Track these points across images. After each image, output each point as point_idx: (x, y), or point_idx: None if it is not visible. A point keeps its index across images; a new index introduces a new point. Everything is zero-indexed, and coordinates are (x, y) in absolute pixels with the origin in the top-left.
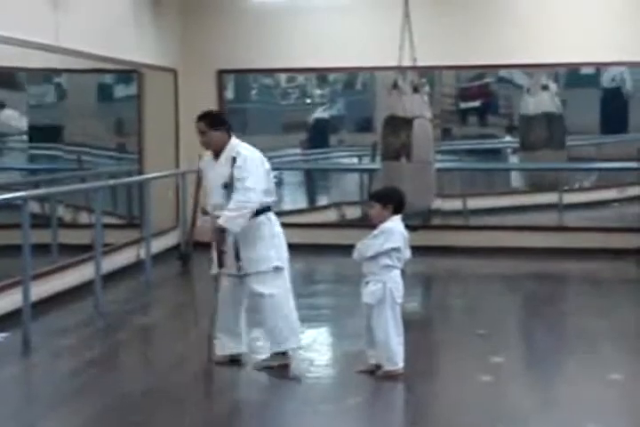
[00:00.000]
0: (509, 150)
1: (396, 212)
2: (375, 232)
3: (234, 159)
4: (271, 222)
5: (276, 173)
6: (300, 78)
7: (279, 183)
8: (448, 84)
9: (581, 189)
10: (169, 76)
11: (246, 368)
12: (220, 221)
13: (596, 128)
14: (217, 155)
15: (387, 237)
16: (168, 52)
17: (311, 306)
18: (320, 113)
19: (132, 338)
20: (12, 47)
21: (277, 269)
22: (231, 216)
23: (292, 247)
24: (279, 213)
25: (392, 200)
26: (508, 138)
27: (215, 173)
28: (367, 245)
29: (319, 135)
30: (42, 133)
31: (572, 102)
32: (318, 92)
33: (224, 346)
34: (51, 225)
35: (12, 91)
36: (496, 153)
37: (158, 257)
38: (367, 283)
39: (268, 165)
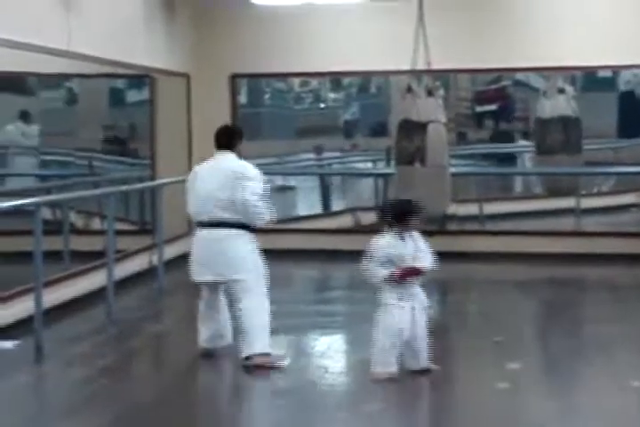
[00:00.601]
0: (526, 155)
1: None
2: None
3: None
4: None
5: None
6: (314, 82)
7: (292, 188)
8: (463, 87)
9: (599, 194)
10: (181, 80)
11: (259, 376)
12: None
13: (614, 132)
14: None
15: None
16: (180, 57)
17: (326, 313)
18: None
19: (145, 346)
20: (23, 52)
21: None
22: None
23: (307, 253)
24: (293, 219)
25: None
26: (523, 142)
27: None
28: None
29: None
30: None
31: (588, 106)
32: (332, 96)
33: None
34: (63, 232)
35: (23, 95)
36: (512, 157)
37: (171, 263)
38: None
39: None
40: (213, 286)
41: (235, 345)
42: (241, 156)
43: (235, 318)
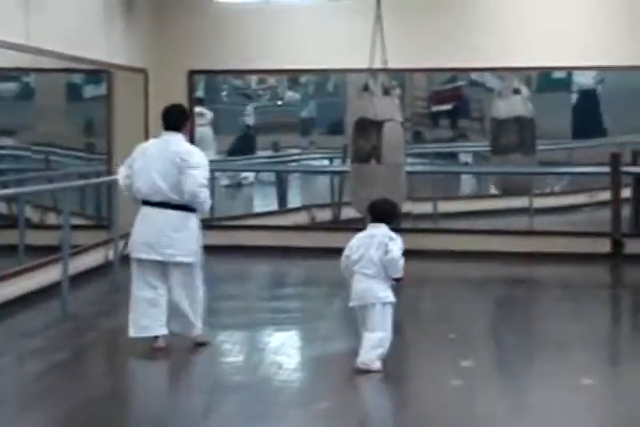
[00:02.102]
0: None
1: (374, 220)
2: None
3: None
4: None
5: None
6: (272, 80)
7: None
8: (419, 86)
9: (552, 194)
10: (139, 76)
11: (213, 370)
12: None
13: (568, 132)
14: None
15: None
16: (138, 53)
17: (280, 309)
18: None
19: (100, 341)
20: None
21: None
22: None
23: (262, 250)
24: (249, 216)
25: (369, 210)
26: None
27: None
28: None
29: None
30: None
31: (543, 106)
32: (289, 93)
33: None
34: (18, 226)
35: None
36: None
37: (127, 258)
38: None
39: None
40: (151, 267)
41: (179, 334)
42: (187, 137)
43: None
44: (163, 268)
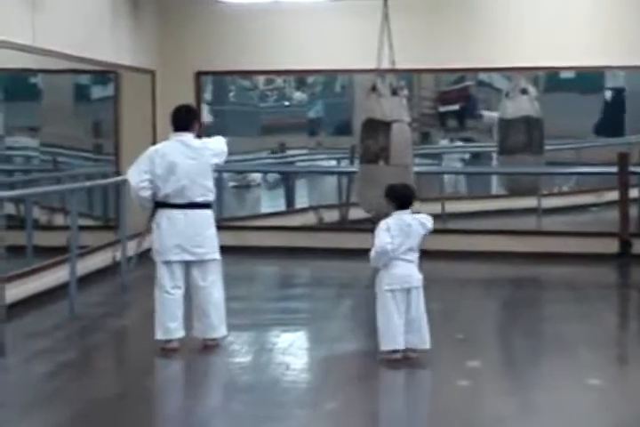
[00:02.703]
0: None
1: (400, 207)
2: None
3: None
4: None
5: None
6: (279, 81)
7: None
8: (427, 87)
9: (560, 194)
10: (146, 77)
11: (221, 371)
12: None
13: (576, 132)
14: None
15: (377, 234)
16: (146, 54)
17: (288, 310)
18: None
19: (107, 341)
20: None
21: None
22: None
23: (270, 250)
24: (257, 217)
25: (392, 196)
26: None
27: None
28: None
29: None
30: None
31: (551, 106)
32: (297, 94)
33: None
34: (26, 227)
35: None
36: (475, 156)
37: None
38: None
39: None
40: (180, 268)
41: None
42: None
43: (201, 299)
44: (186, 269)
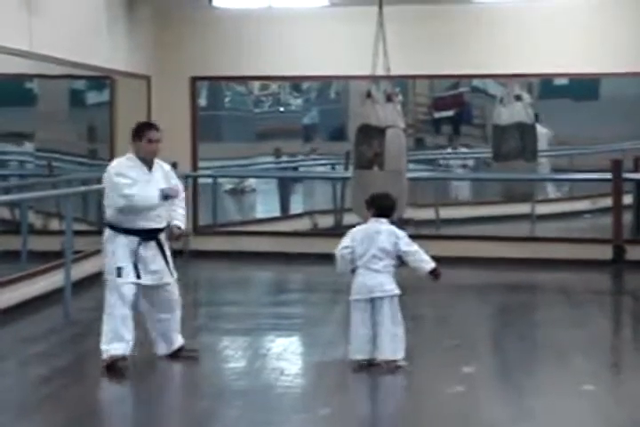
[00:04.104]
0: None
1: (378, 215)
2: None
3: (168, 172)
4: None
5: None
6: (274, 86)
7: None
8: (422, 93)
9: (554, 200)
10: (142, 82)
11: (216, 376)
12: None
13: (569, 139)
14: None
15: (344, 238)
16: (141, 59)
17: (282, 315)
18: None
19: None
20: None
21: None
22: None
23: (264, 255)
24: (251, 222)
25: (372, 204)
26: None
27: (150, 182)
28: None
29: None
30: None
31: (545, 113)
32: (292, 100)
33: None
34: (21, 231)
35: None
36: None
37: None
38: None
39: None
40: (140, 291)
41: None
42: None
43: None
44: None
